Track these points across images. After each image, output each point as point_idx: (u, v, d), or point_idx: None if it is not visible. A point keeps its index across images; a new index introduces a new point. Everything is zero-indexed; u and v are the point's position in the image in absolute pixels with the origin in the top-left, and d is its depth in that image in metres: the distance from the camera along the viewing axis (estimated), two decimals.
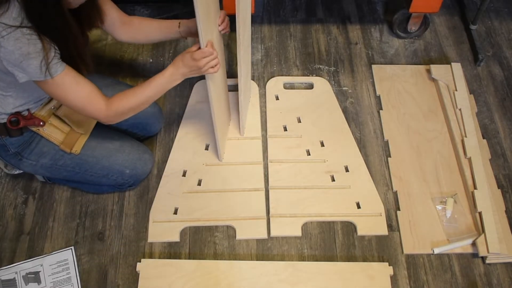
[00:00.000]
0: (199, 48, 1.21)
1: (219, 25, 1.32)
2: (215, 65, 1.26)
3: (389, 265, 1.43)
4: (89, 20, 1.31)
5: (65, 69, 1.16)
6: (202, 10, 1.10)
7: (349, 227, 1.52)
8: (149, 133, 1.67)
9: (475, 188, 1.54)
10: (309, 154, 1.66)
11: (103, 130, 1.49)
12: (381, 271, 1.42)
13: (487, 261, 1.44)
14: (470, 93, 1.83)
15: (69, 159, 1.42)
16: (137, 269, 1.42)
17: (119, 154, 1.47)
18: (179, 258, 1.45)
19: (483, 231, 1.45)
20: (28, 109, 1.31)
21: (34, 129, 1.35)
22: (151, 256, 1.46)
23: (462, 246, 1.47)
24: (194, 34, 1.45)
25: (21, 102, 1.28)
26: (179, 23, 1.44)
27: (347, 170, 1.62)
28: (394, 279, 1.42)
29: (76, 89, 1.20)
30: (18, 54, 1.08)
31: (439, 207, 1.54)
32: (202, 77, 1.84)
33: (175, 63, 1.27)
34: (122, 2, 2.07)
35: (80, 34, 1.24)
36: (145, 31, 1.47)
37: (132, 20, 1.46)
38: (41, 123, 1.34)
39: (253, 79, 1.87)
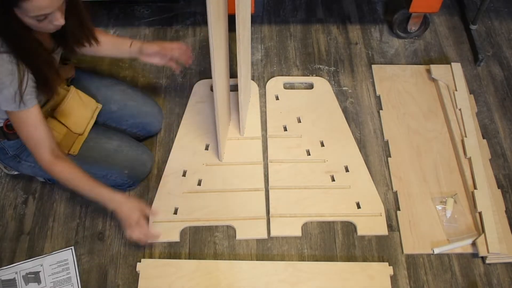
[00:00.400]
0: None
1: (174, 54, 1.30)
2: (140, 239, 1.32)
3: (389, 265, 1.43)
4: (75, 41, 1.29)
5: (32, 107, 1.17)
6: (214, 15, 1.10)
7: (349, 227, 1.52)
8: (149, 133, 1.67)
9: (475, 188, 1.54)
10: (309, 154, 1.66)
11: (101, 130, 1.49)
12: (381, 271, 1.42)
13: (487, 261, 1.44)
14: (470, 93, 1.83)
15: None
16: (137, 269, 1.41)
17: (117, 155, 1.46)
18: (179, 258, 1.45)
19: (483, 231, 1.45)
20: None
21: None
22: (151, 256, 1.46)
23: (462, 246, 1.47)
24: (145, 56, 1.45)
25: None
26: (131, 42, 1.43)
27: (347, 170, 1.62)
28: (394, 279, 1.42)
29: (31, 130, 1.21)
30: None
31: (439, 207, 1.54)
32: (203, 77, 1.86)
33: (121, 205, 1.31)
34: (123, 3, 2.08)
35: (48, 58, 1.22)
36: (103, 46, 1.43)
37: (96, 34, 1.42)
38: None
39: (253, 79, 1.87)
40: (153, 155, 1.62)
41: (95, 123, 1.48)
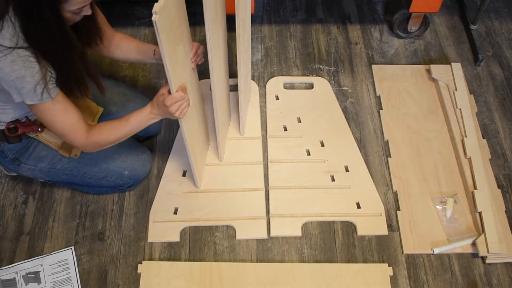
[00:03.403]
0: (169, 90, 1.17)
1: (191, 58, 1.28)
2: (185, 108, 1.22)
3: (389, 265, 1.43)
4: (87, 38, 1.27)
5: (57, 95, 1.15)
6: (210, 14, 1.10)
7: (349, 227, 1.52)
8: (148, 134, 1.67)
9: (475, 188, 1.54)
10: (309, 154, 1.66)
11: None
12: (381, 272, 1.42)
13: (487, 261, 1.44)
14: (470, 93, 1.83)
15: (67, 163, 1.41)
16: (138, 271, 1.41)
17: (117, 156, 1.46)
18: (179, 258, 1.45)
19: (483, 231, 1.45)
20: (26, 116, 1.30)
21: (32, 135, 1.34)
22: (151, 255, 1.46)
23: (462, 246, 1.46)
24: None
25: (20, 113, 1.27)
26: (155, 50, 1.40)
27: (347, 170, 1.62)
28: (394, 279, 1.42)
29: (63, 117, 1.19)
30: (14, 76, 1.07)
31: (439, 207, 1.54)
32: (203, 77, 1.86)
33: (152, 103, 1.24)
34: (123, 3, 2.08)
35: (82, 52, 1.21)
36: (123, 50, 1.43)
37: (115, 35, 1.42)
38: (39, 129, 1.33)
39: (253, 79, 1.87)
40: (152, 156, 1.62)
41: None
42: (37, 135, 1.35)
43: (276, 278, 1.40)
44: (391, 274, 1.41)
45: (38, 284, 1.40)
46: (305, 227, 1.52)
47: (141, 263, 1.43)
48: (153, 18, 0.94)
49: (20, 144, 1.34)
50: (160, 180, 1.59)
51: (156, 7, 0.95)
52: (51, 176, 1.45)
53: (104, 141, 1.27)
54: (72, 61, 1.16)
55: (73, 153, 1.40)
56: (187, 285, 1.39)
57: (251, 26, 1.83)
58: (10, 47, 1.05)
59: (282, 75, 1.88)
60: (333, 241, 1.49)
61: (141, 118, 1.27)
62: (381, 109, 1.78)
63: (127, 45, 1.43)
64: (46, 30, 1.06)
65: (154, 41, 1.95)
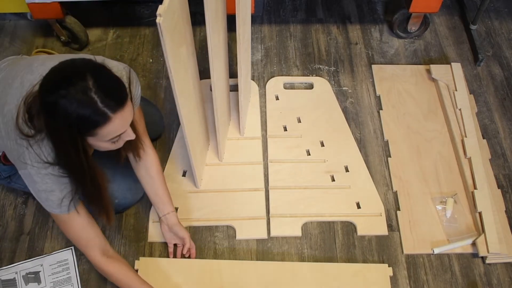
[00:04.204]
0: None
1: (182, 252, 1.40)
2: None
3: (389, 266, 1.43)
4: (134, 151, 1.27)
5: (76, 209, 1.15)
6: (211, 14, 1.11)
7: (349, 227, 1.52)
8: (150, 137, 1.65)
9: (475, 188, 1.54)
10: (309, 154, 1.66)
11: (96, 157, 1.43)
12: (381, 272, 1.41)
13: (487, 261, 1.44)
14: (470, 93, 1.83)
15: None
16: (135, 267, 1.41)
17: (108, 184, 1.40)
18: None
19: (483, 231, 1.46)
20: None
21: None
22: (151, 256, 1.45)
23: (462, 246, 1.47)
24: (164, 229, 1.43)
25: None
26: (169, 211, 1.40)
27: (347, 170, 1.62)
28: (394, 279, 1.42)
29: (79, 231, 1.20)
30: (43, 188, 1.08)
31: (439, 207, 1.54)
32: (203, 77, 1.85)
33: None
34: (123, 2, 2.08)
35: (103, 181, 1.18)
36: (142, 179, 1.41)
37: (149, 155, 1.38)
38: None
39: (253, 79, 1.87)
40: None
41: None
42: None
43: (276, 276, 1.40)
44: (391, 274, 1.41)
45: (38, 284, 1.40)
46: (305, 227, 1.52)
47: (138, 260, 1.42)
48: (157, 20, 0.94)
49: (14, 167, 1.32)
50: None
51: (160, 9, 0.94)
52: None
53: (114, 280, 1.26)
54: (93, 186, 1.14)
55: None
56: (185, 282, 1.39)
57: (251, 26, 1.83)
58: (47, 162, 1.05)
59: (282, 75, 1.88)
60: (333, 241, 1.49)
61: None
62: (381, 109, 1.78)
63: (147, 182, 1.40)
64: (67, 156, 1.05)
65: (155, 41, 1.96)
